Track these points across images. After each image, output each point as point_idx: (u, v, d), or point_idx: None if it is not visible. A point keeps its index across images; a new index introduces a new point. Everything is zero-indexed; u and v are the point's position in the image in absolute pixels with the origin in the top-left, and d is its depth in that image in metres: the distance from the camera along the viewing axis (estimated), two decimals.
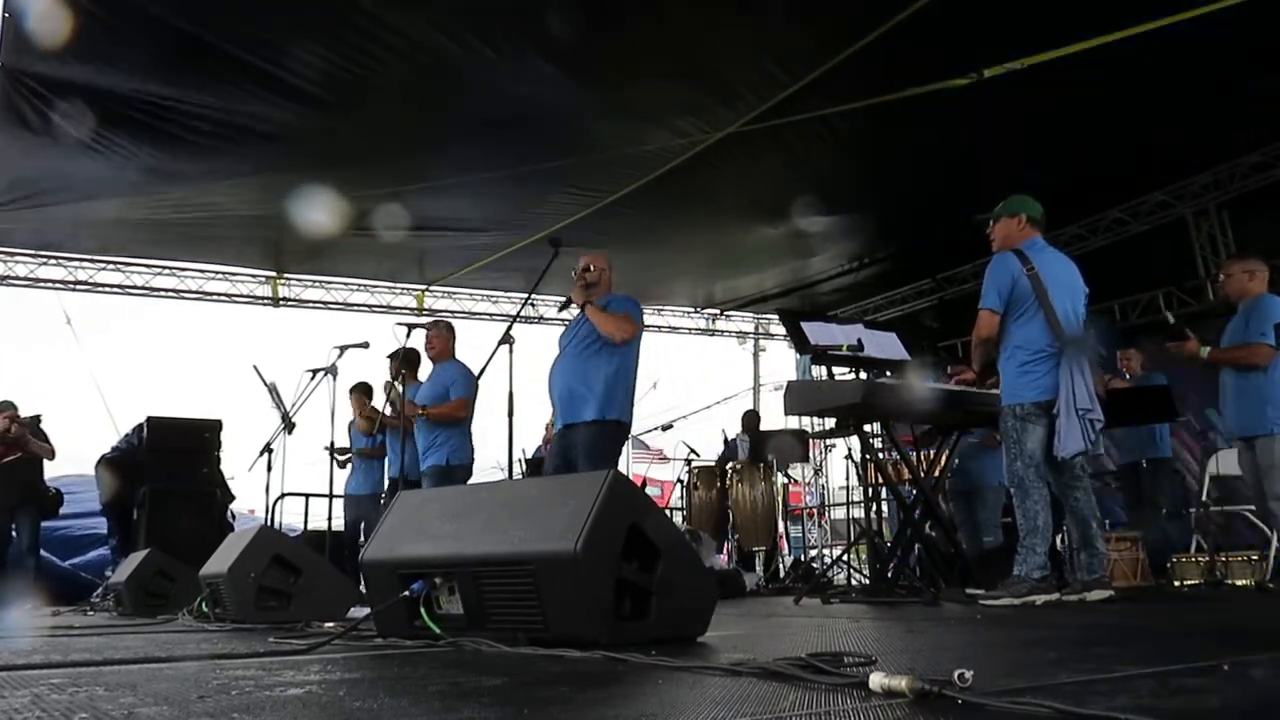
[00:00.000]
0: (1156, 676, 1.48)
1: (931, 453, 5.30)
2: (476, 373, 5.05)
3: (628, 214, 7.79)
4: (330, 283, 9.91)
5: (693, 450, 8.32)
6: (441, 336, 5.96)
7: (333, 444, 6.49)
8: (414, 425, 5.83)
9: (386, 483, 6.72)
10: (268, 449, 6.29)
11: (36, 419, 7.33)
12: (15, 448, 7.18)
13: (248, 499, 9.15)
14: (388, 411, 6.17)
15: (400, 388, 5.90)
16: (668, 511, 8.51)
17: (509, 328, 4.66)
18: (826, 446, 11.54)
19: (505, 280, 9.94)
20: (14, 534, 7.20)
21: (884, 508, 6.64)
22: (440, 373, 5.93)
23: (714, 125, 6.35)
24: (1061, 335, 3.90)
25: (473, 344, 6.65)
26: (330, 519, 6.50)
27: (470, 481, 5.64)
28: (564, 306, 5.02)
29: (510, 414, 4.60)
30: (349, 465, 7.21)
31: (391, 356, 6.25)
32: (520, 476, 6.46)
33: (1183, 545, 6.29)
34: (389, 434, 6.36)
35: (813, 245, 9.05)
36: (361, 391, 7.42)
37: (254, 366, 6.28)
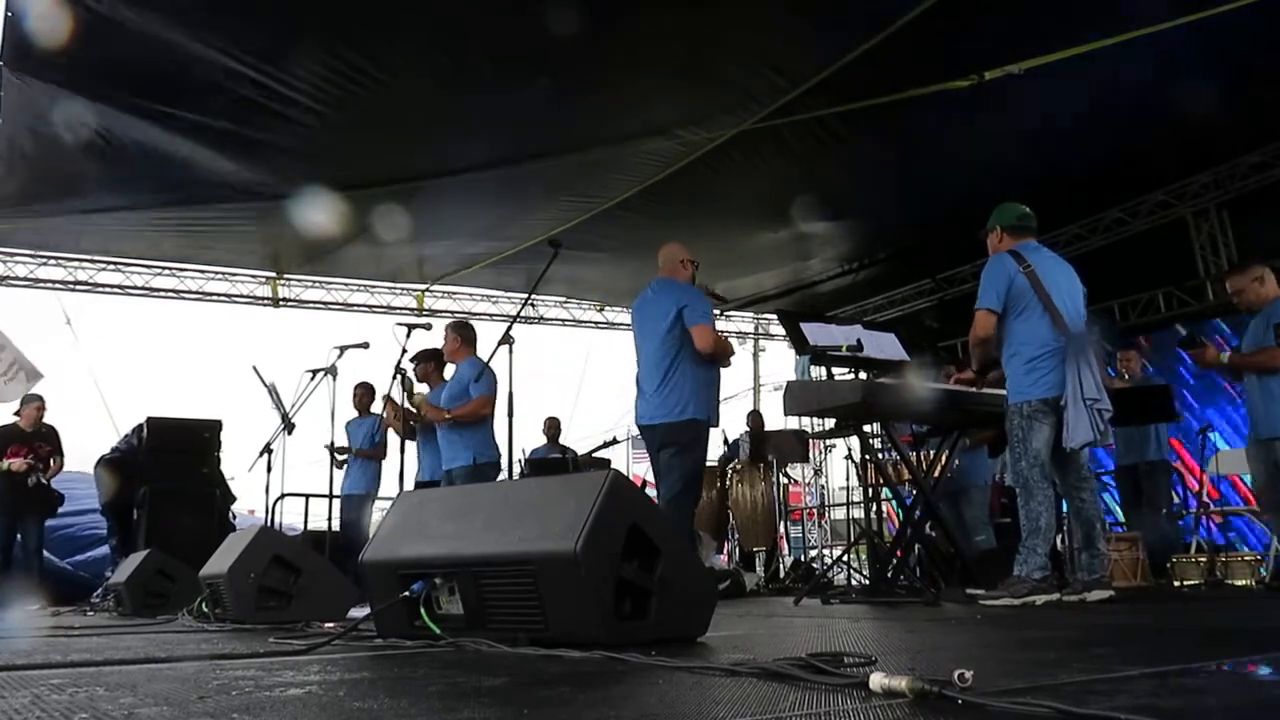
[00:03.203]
0: (1156, 676, 1.48)
1: (931, 453, 5.30)
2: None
3: (628, 216, 7.79)
4: (330, 283, 9.91)
5: None
6: (451, 338, 5.92)
7: (332, 443, 6.48)
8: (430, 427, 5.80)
9: (412, 484, 6.63)
10: (268, 449, 6.29)
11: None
12: (34, 448, 7.36)
13: (248, 499, 9.15)
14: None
15: (396, 398, 5.85)
16: None
17: (509, 328, 4.66)
18: (826, 446, 11.55)
19: (505, 280, 9.93)
20: (19, 535, 7.25)
21: (883, 508, 6.63)
22: (459, 372, 5.90)
23: (714, 129, 6.34)
24: (1065, 328, 3.90)
25: None
26: (330, 519, 6.50)
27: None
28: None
29: (510, 414, 4.61)
30: (345, 465, 7.20)
31: (416, 359, 6.12)
32: (520, 476, 6.45)
33: (1182, 545, 6.29)
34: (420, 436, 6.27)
35: (813, 246, 9.04)
36: (367, 390, 7.42)
37: (253, 367, 6.28)
